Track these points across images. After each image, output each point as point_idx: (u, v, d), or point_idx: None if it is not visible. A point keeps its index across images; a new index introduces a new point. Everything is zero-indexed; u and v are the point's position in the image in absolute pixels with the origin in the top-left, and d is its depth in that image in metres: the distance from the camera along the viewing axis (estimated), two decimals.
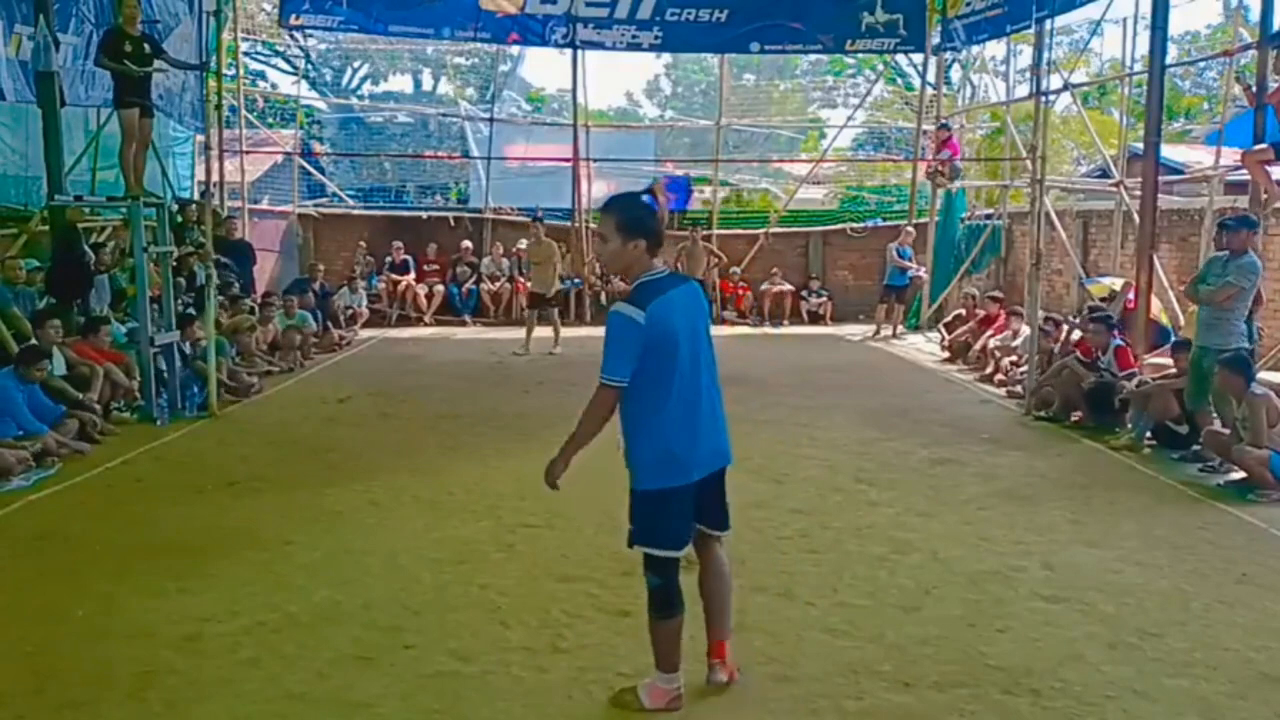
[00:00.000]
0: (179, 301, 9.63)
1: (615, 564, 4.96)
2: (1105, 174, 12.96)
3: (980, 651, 4.11)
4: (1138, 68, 12.39)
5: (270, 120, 18.66)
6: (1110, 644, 4.18)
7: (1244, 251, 7.04)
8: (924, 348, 13.55)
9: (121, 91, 8.83)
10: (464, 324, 15.61)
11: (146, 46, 8.94)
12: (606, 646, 4.15)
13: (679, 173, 19.21)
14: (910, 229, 15.45)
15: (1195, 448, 7.31)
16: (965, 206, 15.83)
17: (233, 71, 15.64)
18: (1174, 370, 7.82)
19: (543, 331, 12.85)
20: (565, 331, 13.14)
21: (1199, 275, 7.40)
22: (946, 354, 12.42)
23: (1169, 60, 10.71)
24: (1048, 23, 12.95)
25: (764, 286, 16.28)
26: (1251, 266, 7.00)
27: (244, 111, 15.97)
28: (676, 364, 3.42)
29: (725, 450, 3.67)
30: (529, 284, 13.42)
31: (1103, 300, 10.43)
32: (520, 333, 13.11)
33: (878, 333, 14.62)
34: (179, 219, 11.47)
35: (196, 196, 13.49)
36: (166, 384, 8.64)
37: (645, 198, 3.47)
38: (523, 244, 16.00)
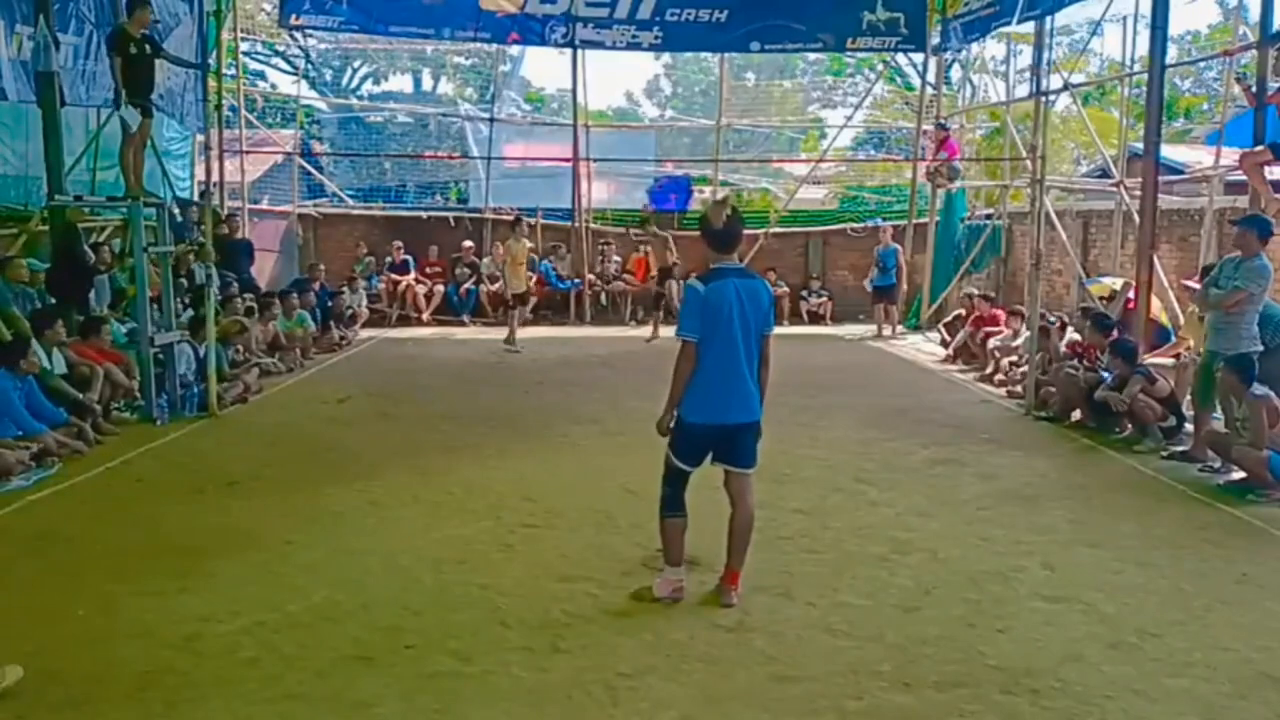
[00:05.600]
0: (179, 302, 9.63)
1: (615, 564, 4.97)
2: (1105, 174, 12.96)
3: (980, 651, 4.11)
4: (1137, 67, 12.38)
5: (270, 120, 18.66)
6: (1110, 644, 4.19)
7: (1254, 254, 6.93)
8: (924, 348, 13.55)
9: (124, 92, 8.82)
10: (463, 324, 15.62)
11: (148, 47, 8.96)
12: (606, 646, 4.15)
13: (679, 173, 19.22)
14: (887, 227, 15.61)
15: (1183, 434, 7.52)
16: (965, 207, 15.84)
17: (232, 71, 15.66)
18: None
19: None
20: (566, 332, 13.18)
21: (1211, 278, 7.33)
22: (947, 354, 12.43)
23: (1169, 60, 10.71)
24: (1047, 23, 13.02)
25: None
26: (1261, 270, 6.87)
27: (244, 111, 15.97)
28: (720, 333, 4.35)
29: (751, 408, 4.49)
30: (511, 284, 13.34)
31: (1103, 300, 10.44)
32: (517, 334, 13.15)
33: (879, 333, 14.67)
34: (180, 219, 11.47)
35: (196, 197, 13.49)
36: (166, 384, 8.64)
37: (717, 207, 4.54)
38: (497, 247, 16.09)
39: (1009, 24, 13.46)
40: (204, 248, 9.41)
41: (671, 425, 4.50)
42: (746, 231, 17.73)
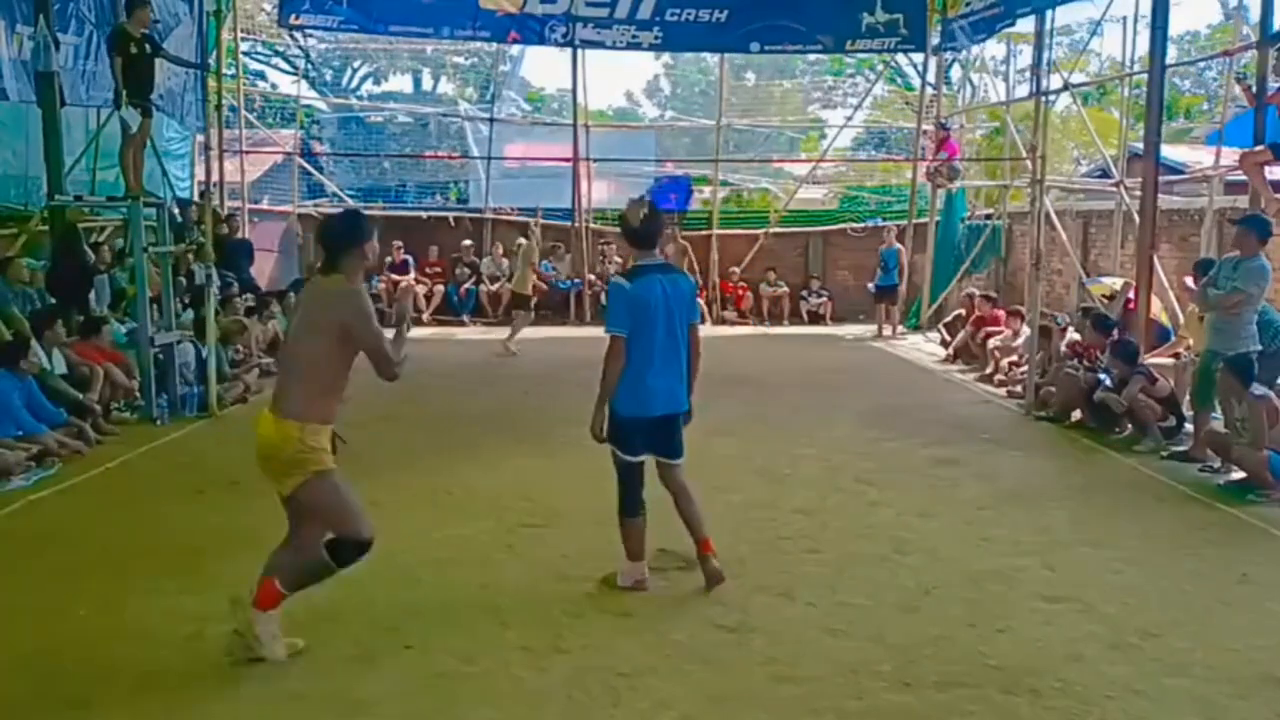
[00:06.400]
0: (178, 302, 9.63)
1: (615, 564, 4.96)
2: (1105, 174, 12.96)
3: (980, 651, 4.11)
4: (1137, 67, 12.38)
5: (270, 120, 18.66)
6: (1111, 644, 4.19)
7: (1253, 254, 6.92)
8: (924, 348, 13.55)
9: (125, 92, 8.82)
10: (462, 324, 15.62)
11: (148, 47, 8.97)
12: (606, 646, 4.15)
13: (679, 173, 19.21)
14: (890, 227, 15.68)
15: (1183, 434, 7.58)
16: (965, 207, 15.84)
17: (232, 71, 15.65)
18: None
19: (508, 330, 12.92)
20: (566, 331, 13.19)
21: (1210, 278, 7.34)
22: (947, 354, 12.43)
23: (1169, 60, 10.70)
24: (1048, 23, 13.02)
25: (762, 289, 16.33)
26: (1260, 271, 6.87)
27: (244, 111, 15.97)
28: (646, 328, 4.51)
29: (679, 400, 4.66)
30: (529, 284, 13.33)
31: (1104, 299, 10.44)
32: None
33: (880, 333, 14.69)
34: (180, 220, 11.47)
35: (196, 197, 13.49)
36: (167, 384, 8.63)
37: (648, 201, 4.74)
38: (497, 246, 16.19)
39: (1011, 25, 13.49)
40: (204, 248, 9.41)
41: (604, 426, 4.59)
42: (748, 232, 17.77)
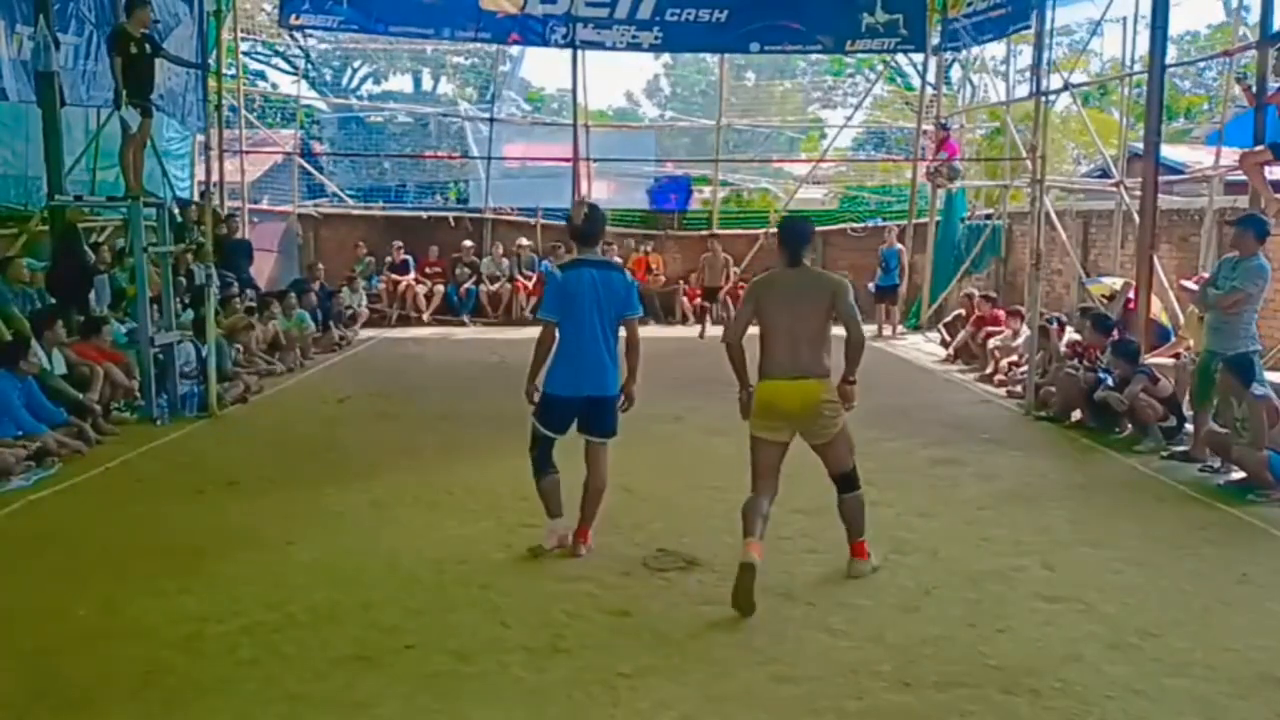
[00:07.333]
0: (178, 302, 9.63)
1: (615, 564, 4.98)
2: (1105, 174, 12.96)
3: (980, 651, 4.11)
4: (1137, 68, 12.39)
5: (270, 120, 18.66)
6: (1110, 644, 4.18)
7: (1252, 253, 6.93)
8: (924, 348, 13.55)
9: (125, 92, 8.83)
10: (463, 324, 15.62)
11: (148, 47, 8.98)
12: (606, 646, 4.15)
13: (679, 173, 19.21)
14: (891, 227, 15.73)
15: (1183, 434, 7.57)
16: (965, 207, 15.84)
17: (233, 71, 15.65)
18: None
19: None
20: None
21: (1210, 278, 7.32)
22: (947, 354, 12.43)
23: (1169, 60, 10.71)
24: (1048, 23, 13.02)
25: None
26: (1259, 270, 6.87)
27: (244, 111, 15.97)
28: (574, 315, 4.93)
29: (605, 384, 5.00)
30: None
31: (1104, 299, 10.44)
32: (515, 333, 13.13)
33: (880, 333, 14.68)
34: (179, 219, 11.47)
35: (196, 197, 13.49)
36: (167, 384, 8.64)
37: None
38: (497, 246, 16.25)
39: (1026, 27, 13.48)
40: (204, 248, 9.41)
41: (537, 397, 5.06)
42: (748, 232, 17.83)
